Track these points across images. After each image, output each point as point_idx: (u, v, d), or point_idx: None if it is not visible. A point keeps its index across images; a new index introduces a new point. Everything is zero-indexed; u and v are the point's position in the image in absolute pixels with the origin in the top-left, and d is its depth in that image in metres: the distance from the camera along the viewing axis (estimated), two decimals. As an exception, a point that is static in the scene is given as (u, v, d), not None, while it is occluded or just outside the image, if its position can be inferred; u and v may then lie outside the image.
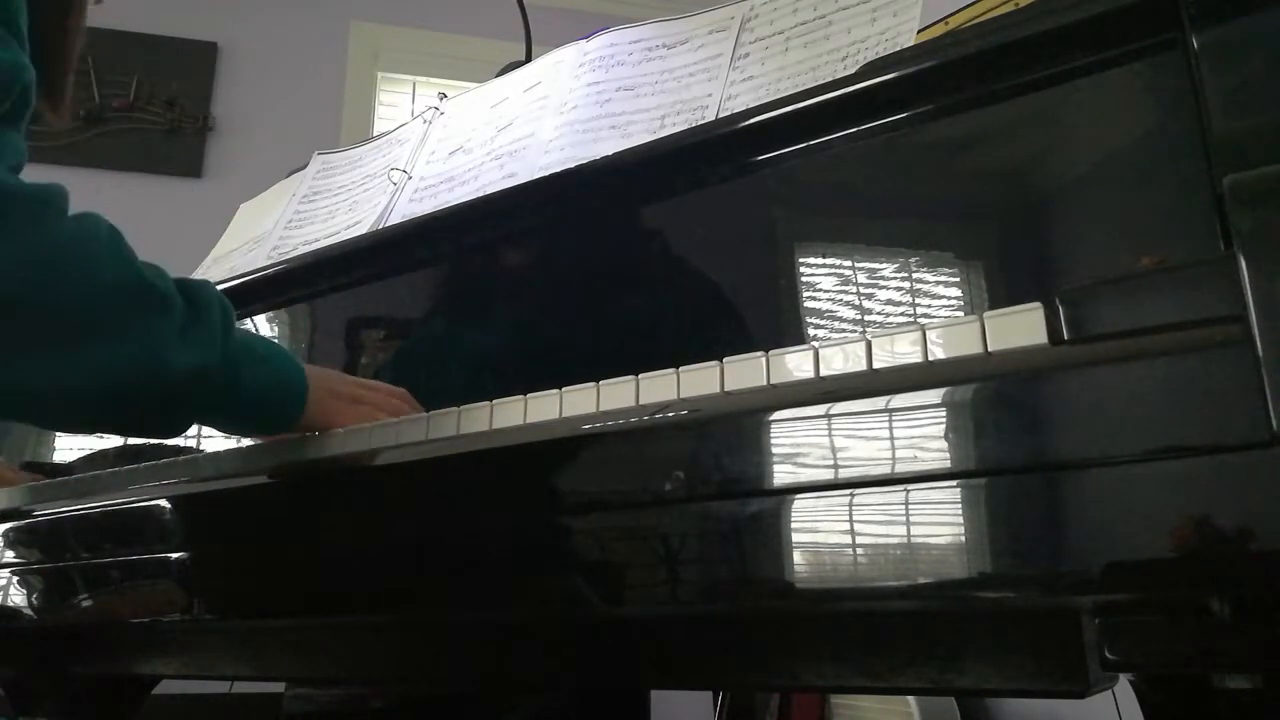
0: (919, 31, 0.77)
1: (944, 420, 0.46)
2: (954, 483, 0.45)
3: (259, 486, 0.78)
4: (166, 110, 2.77)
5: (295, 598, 0.76)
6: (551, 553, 0.61)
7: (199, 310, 0.66)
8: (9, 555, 0.99)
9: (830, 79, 0.71)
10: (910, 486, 0.46)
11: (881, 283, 0.62)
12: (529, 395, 0.66)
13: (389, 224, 1.03)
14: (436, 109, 1.17)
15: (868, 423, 0.48)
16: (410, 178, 1.09)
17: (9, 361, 0.59)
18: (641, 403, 0.60)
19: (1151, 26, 0.53)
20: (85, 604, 0.91)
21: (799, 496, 0.49)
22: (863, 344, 0.52)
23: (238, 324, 0.71)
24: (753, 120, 0.70)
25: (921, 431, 0.46)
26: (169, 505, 0.84)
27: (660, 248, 0.76)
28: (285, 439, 0.80)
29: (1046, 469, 0.43)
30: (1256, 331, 0.38)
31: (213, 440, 1.02)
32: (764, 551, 0.51)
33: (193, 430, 1.03)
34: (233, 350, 0.67)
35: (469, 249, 0.88)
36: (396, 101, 3.07)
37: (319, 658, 1.00)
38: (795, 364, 0.54)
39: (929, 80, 0.62)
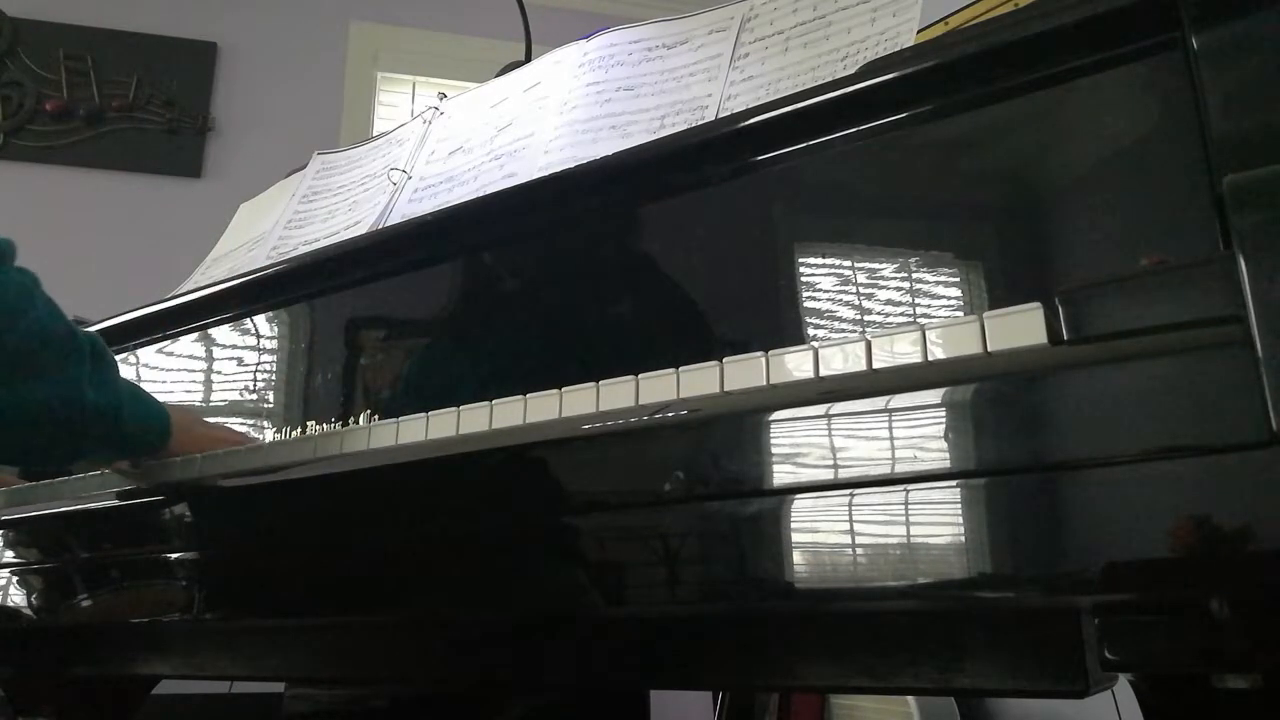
0: (919, 31, 0.77)
1: (944, 420, 0.46)
2: (954, 483, 0.45)
3: (261, 486, 0.78)
4: (166, 110, 2.77)
5: (296, 597, 0.76)
6: (552, 553, 0.61)
7: (100, 357, 0.77)
8: (9, 555, 0.99)
9: (830, 79, 0.71)
10: (910, 486, 0.46)
11: (881, 283, 0.62)
12: (529, 395, 0.66)
13: (389, 224, 1.03)
14: (436, 109, 1.16)
15: (867, 423, 0.48)
16: (410, 178, 1.09)
17: None
18: (641, 403, 0.60)
19: (1151, 26, 0.53)
20: (85, 604, 0.91)
21: (799, 496, 0.49)
22: (862, 344, 0.51)
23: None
24: (753, 120, 0.70)
25: (921, 431, 0.46)
26: (170, 504, 0.84)
27: (660, 248, 0.76)
28: (291, 442, 0.83)
29: (1046, 469, 0.43)
30: (1256, 331, 0.38)
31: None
32: (764, 551, 0.51)
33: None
34: (121, 390, 0.79)
35: (469, 249, 0.88)
36: (396, 101, 3.06)
37: (319, 658, 1.00)
38: (795, 364, 0.54)
39: (929, 80, 0.62)
